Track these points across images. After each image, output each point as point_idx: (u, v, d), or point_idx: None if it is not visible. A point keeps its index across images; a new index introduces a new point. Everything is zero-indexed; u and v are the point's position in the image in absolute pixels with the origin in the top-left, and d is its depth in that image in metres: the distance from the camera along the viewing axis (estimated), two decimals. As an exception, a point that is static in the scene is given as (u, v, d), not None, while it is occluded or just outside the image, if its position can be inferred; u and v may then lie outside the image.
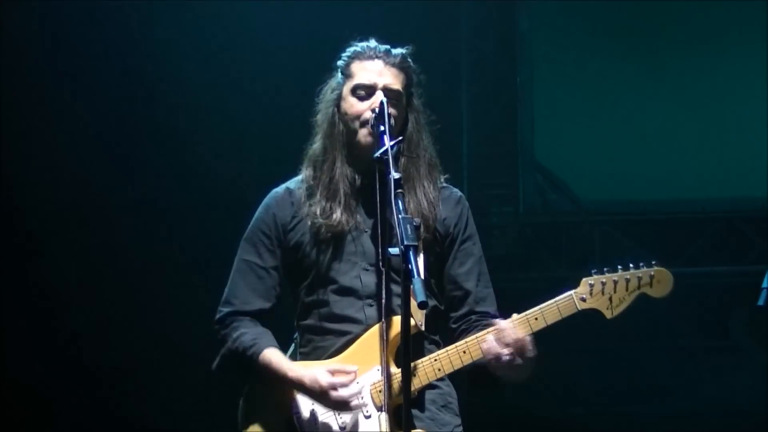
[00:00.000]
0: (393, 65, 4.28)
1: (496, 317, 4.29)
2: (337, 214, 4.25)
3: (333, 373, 4.13)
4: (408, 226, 3.74)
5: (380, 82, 4.25)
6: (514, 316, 4.19)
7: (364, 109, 4.24)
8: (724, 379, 8.56)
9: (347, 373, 4.14)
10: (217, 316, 4.37)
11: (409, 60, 4.34)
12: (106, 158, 8.27)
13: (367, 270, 4.27)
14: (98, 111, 8.24)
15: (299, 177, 4.42)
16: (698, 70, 9.15)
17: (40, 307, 8.14)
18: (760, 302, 5.73)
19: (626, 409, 8.70)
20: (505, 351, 4.10)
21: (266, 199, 4.44)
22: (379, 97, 4.19)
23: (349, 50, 4.36)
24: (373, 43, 4.34)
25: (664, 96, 9.16)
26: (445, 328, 4.37)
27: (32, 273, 8.16)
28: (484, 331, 4.18)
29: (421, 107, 4.38)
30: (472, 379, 4.32)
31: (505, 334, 4.11)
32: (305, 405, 4.20)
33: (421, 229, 4.15)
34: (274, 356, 4.22)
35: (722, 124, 9.14)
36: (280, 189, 4.44)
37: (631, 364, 8.77)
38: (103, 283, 8.24)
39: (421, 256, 4.14)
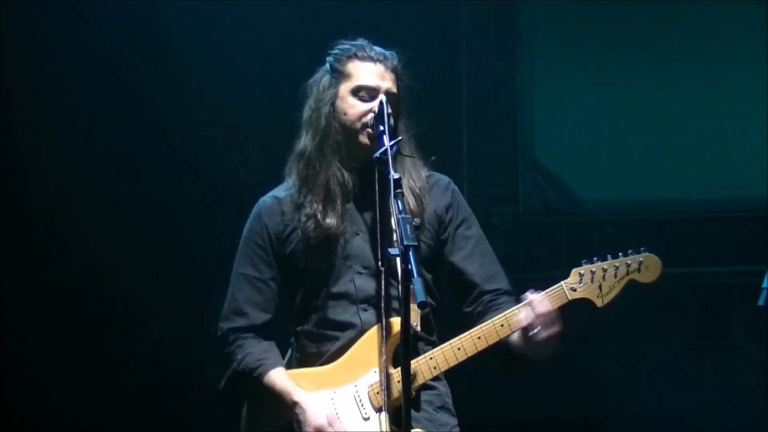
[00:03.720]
0: (392, 70, 4.28)
1: (509, 292, 4.31)
2: (330, 217, 4.22)
3: (331, 423, 4.11)
4: (408, 226, 3.73)
5: (383, 86, 4.24)
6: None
7: (367, 110, 4.22)
8: (724, 379, 8.55)
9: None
10: (219, 333, 4.35)
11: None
12: (106, 158, 8.27)
13: (360, 273, 4.24)
14: (98, 111, 8.24)
15: (286, 183, 4.39)
16: (698, 70, 9.13)
17: (39, 306, 8.14)
18: (760, 302, 5.71)
19: (626, 409, 8.69)
20: (535, 322, 4.08)
21: (255, 210, 4.40)
22: (381, 99, 4.18)
23: (342, 48, 4.33)
24: (365, 43, 4.33)
25: (664, 95, 9.15)
26: (441, 326, 4.35)
27: (31, 273, 8.16)
28: (483, 324, 4.17)
29: (403, 110, 4.34)
30: (501, 361, 4.28)
31: (535, 305, 4.11)
32: None
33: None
34: (278, 378, 4.21)
35: (722, 124, 9.13)
36: (267, 198, 4.40)
37: (630, 364, 8.76)
38: (103, 282, 8.23)
39: None
